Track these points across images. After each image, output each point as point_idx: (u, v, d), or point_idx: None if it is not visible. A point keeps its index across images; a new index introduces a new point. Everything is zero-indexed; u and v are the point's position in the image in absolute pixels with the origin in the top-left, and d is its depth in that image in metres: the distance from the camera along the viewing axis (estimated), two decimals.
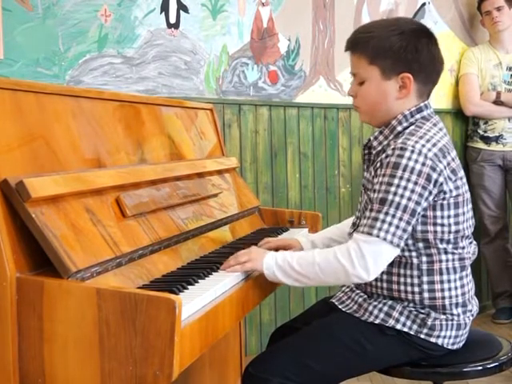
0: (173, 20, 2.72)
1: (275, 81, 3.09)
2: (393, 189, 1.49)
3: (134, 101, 1.81)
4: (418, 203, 1.49)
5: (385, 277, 1.60)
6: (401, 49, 1.58)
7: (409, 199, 1.48)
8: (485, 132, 3.72)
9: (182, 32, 2.75)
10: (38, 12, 2.31)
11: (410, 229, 1.50)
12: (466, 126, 3.88)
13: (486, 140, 3.72)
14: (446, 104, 3.81)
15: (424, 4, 3.68)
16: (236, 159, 2.36)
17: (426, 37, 1.62)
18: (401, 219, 1.48)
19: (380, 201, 1.50)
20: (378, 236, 1.48)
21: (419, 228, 1.55)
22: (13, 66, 2.25)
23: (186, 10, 2.77)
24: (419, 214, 1.51)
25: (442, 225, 1.55)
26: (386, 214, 1.48)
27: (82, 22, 2.43)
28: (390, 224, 1.48)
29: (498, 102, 3.67)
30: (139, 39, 2.61)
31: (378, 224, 1.48)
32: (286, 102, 3.13)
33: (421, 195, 1.50)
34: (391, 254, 1.51)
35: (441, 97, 3.77)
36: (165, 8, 2.70)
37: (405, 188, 1.48)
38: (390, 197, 1.49)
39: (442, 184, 1.53)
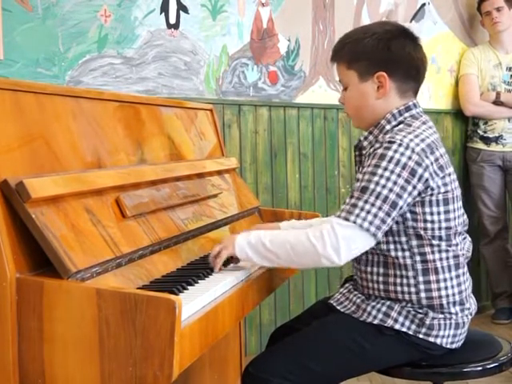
0: (173, 20, 2.72)
1: (275, 81, 3.09)
2: (375, 178, 1.50)
3: (134, 101, 1.81)
4: (399, 196, 1.49)
5: (381, 278, 1.60)
6: (373, 48, 1.61)
7: (390, 190, 1.49)
8: (484, 132, 3.72)
9: (181, 32, 2.75)
10: (38, 12, 2.31)
11: (389, 221, 1.50)
12: (466, 126, 3.88)
13: (486, 140, 3.72)
14: (446, 104, 3.82)
15: (424, 4, 3.68)
16: (236, 159, 2.36)
17: (401, 37, 1.63)
18: (380, 209, 1.48)
19: (361, 189, 1.51)
20: (354, 222, 1.48)
21: (410, 224, 1.55)
22: (13, 66, 2.25)
23: (185, 10, 2.77)
24: (402, 208, 1.51)
25: (432, 221, 1.55)
26: (366, 201, 1.49)
27: (81, 22, 2.43)
28: (368, 212, 1.48)
29: (497, 102, 3.67)
30: (139, 40, 2.61)
31: (357, 211, 1.48)
32: (286, 103, 3.13)
33: (403, 188, 1.50)
34: (366, 242, 1.50)
35: (440, 97, 3.77)
36: (165, 8, 2.70)
37: (387, 179, 1.49)
38: (372, 186, 1.49)
39: (427, 180, 1.53)
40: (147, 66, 2.64)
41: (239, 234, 1.60)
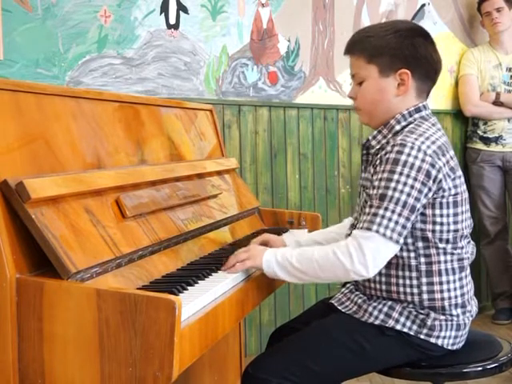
0: (172, 21, 2.72)
1: (275, 81, 3.09)
2: (392, 184, 1.49)
3: (134, 102, 1.81)
4: (417, 199, 1.49)
5: (383, 279, 1.60)
6: (397, 45, 1.59)
7: (408, 195, 1.48)
8: (484, 133, 3.72)
9: (181, 33, 2.75)
10: (38, 13, 2.31)
11: (409, 225, 1.50)
12: (466, 126, 3.88)
13: (486, 141, 3.72)
14: (446, 105, 3.82)
15: (424, 5, 3.68)
16: (236, 160, 2.36)
17: (421, 36, 1.64)
18: (400, 215, 1.48)
19: (380, 196, 1.50)
20: (377, 231, 1.47)
21: (418, 226, 1.55)
22: (13, 66, 2.25)
23: (185, 10, 2.77)
24: (418, 210, 1.51)
25: (441, 223, 1.55)
26: (386, 209, 1.48)
27: (81, 22, 2.43)
28: (390, 219, 1.47)
29: (497, 102, 3.67)
30: (139, 40, 2.61)
31: (378, 219, 1.48)
32: (286, 103, 3.13)
33: (420, 191, 1.50)
34: (391, 249, 1.50)
35: (440, 98, 3.77)
36: (164, 9, 2.70)
37: (404, 184, 1.49)
38: (390, 192, 1.49)
39: (441, 181, 1.53)
40: (147, 66, 2.64)
41: (267, 250, 1.60)
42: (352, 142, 3.37)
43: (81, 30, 2.43)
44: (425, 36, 1.64)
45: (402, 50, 1.59)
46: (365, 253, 1.47)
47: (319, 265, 1.52)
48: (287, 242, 1.89)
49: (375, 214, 1.49)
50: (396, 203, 1.48)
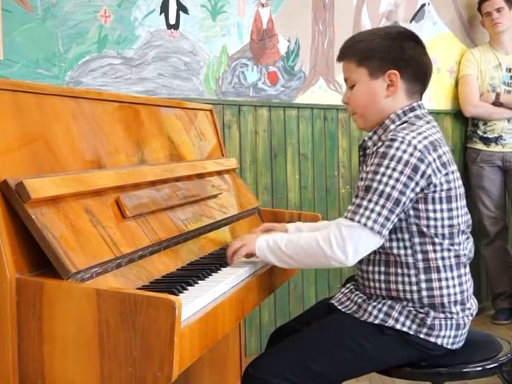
0: (172, 21, 2.72)
1: (275, 82, 3.09)
2: (378, 177, 1.52)
3: (134, 102, 1.81)
4: (402, 193, 1.51)
5: (382, 277, 1.60)
6: (386, 47, 1.63)
7: (393, 188, 1.51)
8: (484, 133, 3.73)
9: (181, 33, 2.75)
10: (38, 13, 2.31)
11: (393, 218, 1.52)
12: (466, 127, 3.88)
13: (486, 141, 3.72)
14: (446, 105, 3.82)
15: (424, 5, 3.68)
16: (236, 160, 2.36)
17: (412, 39, 1.67)
18: (383, 207, 1.50)
19: (365, 188, 1.54)
20: (359, 222, 1.51)
21: (413, 221, 1.56)
22: (12, 66, 2.25)
23: (185, 10, 2.77)
24: (405, 204, 1.53)
25: (435, 219, 1.56)
26: (370, 201, 1.51)
27: (81, 22, 2.43)
28: (372, 211, 1.50)
29: (497, 103, 3.67)
30: (139, 40, 2.61)
31: (361, 210, 1.51)
32: (286, 103, 3.13)
33: (406, 185, 1.51)
34: (372, 240, 1.53)
35: (440, 98, 3.77)
36: (164, 9, 2.70)
37: (389, 177, 1.51)
38: (375, 185, 1.52)
39: (430, 176, 1.54)
40: (147, 66, 2.64)
41: (260, 236, 1.66)
42: (352, 142, 3.37)
43: (81, 30, 2.43)
44: (415, 40, 1.67)
45: (390, 52, 1.63)
46: (345, 240, 1.51)
47: (304, 251, 1.57)
48: (290, 229, 1.91)
49: (359, 205, 1.53)
50: (380, 195, 1.51)
